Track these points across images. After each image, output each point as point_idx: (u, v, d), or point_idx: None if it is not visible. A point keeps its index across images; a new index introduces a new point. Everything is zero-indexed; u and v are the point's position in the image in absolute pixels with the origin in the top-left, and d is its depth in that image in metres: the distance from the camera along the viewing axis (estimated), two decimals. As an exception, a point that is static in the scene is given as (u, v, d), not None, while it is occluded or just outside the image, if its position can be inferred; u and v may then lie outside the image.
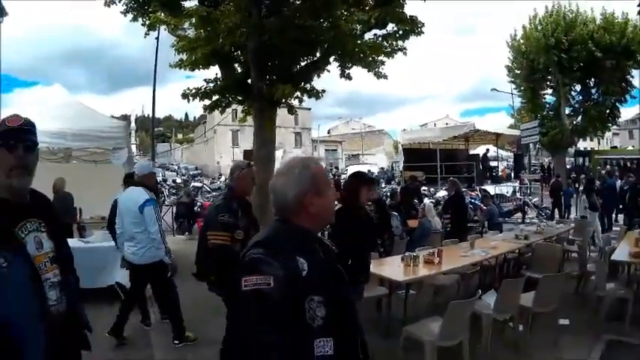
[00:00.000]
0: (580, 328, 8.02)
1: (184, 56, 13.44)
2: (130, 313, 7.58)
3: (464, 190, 20.96)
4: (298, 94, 13.99)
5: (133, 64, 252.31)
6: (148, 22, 13.67)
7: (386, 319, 7.89)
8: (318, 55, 13.50)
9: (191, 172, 56.93)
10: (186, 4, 13.25)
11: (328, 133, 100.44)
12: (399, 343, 6.30)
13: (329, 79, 17.89)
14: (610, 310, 8.30)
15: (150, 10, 13.68)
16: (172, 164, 69.75)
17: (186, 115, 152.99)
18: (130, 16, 13.95)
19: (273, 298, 2.22)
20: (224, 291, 5.45)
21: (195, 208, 19.80)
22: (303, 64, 13.74)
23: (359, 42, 13.27)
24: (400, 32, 13.45)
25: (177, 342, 7.39)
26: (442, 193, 18.86)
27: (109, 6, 13.60)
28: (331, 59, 13.65)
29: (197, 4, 13.03)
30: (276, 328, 2.21)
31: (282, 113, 14.83)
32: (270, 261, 2.29)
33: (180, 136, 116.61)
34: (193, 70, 13.52)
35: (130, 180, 8.52)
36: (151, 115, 30.49)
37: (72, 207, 12.13)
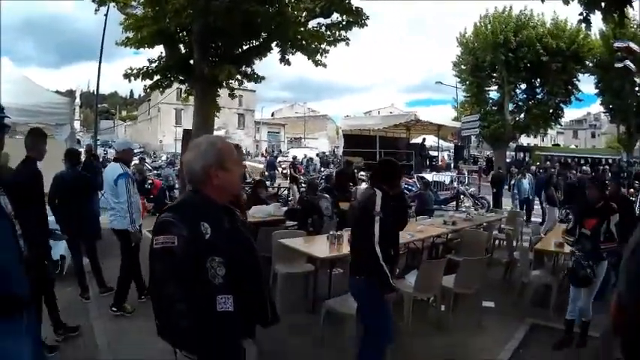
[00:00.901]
0: (505, 311, 8.43)
1: (131, 34, 13.44)
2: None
3: (400, 176, 21.41)
4: (239, 77, 14.06)
5: (85, 37, 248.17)
6: (97, -1, 13.63)
7: (312, 296, 8.22)
8: (261, 39, 13.58)
9: (135, 150, 56.38)
10: (137, -18, 13.16)
11: (272, 115, 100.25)
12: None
13: (276, 62, 18.08)
14: (535, 296, 8.83)
15: (101, -15, 13.56)
16: (115, 141, 68.88)
17: (131, 92, 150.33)
18: (82, -8, 13.89)
19: (178, 255, 2.58)
20: None
21: (146, 185, 19.71)
22: (245, 47, 13.77)
23: (301, 29, 13.41)
24: (344, 22, 13.67)
25: (114, 309, 7.68)
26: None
27: None
28: (273, 44, 13.70)
29: (147, -18, 12.96)
30: (180, 282, 2.58)
31: (226, 94, 14.95)
32: (176, 223, 2.65)
33: (124, 113, 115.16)
34: (139, 48, 13.46)
35: (71, 156, 8.82)
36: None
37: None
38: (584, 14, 9.11)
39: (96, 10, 14.13)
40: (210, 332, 2.62)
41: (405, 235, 9.21)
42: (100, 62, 25.77)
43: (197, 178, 2.91)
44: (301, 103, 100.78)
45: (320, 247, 8.24)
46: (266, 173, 30.77)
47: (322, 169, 37.02)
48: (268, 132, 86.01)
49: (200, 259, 2.64)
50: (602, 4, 8.82)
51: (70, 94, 40.94)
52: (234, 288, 2.72)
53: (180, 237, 2.61)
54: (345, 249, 7.92)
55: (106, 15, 19.42)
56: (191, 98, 15.16)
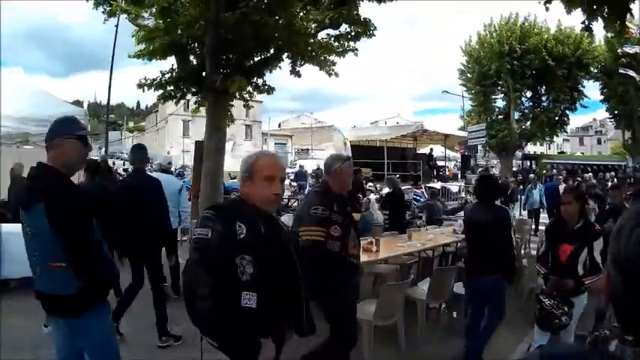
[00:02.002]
0: (514, 316, 8.55)
1: (143, 46, 13.60)
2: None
3: (409, 187, 21.47)
4: (250, 89, 14.26)
5: (91, 47, 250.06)
6: (108, 10, 13.73)
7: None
8: (271, 51, 13.69)
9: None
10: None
11: (279, 126, 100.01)
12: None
13: (282, 73, 18.15)
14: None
15: (112, -3, 13.67)
16: (122, 153, 69.10)
17: (138, 103, 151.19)
18: (91, 3, 13.91)
19: (209, 247, 2.90)
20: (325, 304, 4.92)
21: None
22: (256, 59, 13.88)
23: (311, 41, 13.59)
24: (352, 33, 13.81)
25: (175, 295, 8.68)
26: (388, 190, 19.40)
27: None
28: (284, 56, 13.87)
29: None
30: (207, 270, 2.87)
31: (239, 105, 15.11)
32: (214, 219, 2.98)
33: (131, 124, 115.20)
34: (151, 60, 13.65)
35: (90, 167, 9.18)
36: (102, 102, 30.59)
37: (29, 193, 12.22)
38: (587, 23, 9.28)
39: (105, 20, 14.26)
40: (229, 322, 2.84)
41: (416, 245, 9.40)
42: (110, 73, 26.00)
43: (240, 177, 3.32)
44: (308, 113, 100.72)
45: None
46: (294, 184, 30.42)
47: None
48: (275, 143, 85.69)
49: (231, 255, 2.92)
50: (604, 13, 8.99)
51: (78, 104, 41.15)
52: (261, 288, 2.96)
53: (214, 231, 2.92)
54: (361, 258, 8.12)
55: (116, 26, 19.60)
56: (202, 109, 15.32)
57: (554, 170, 38.87)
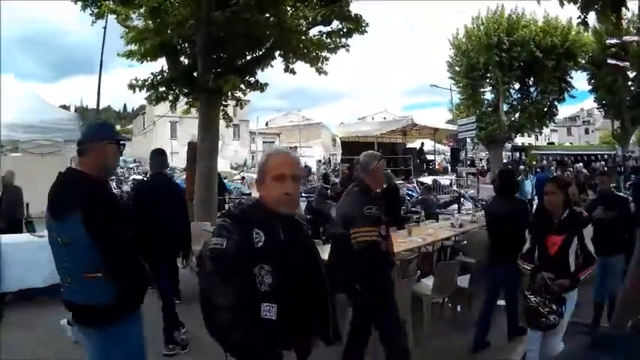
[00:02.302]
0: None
1: (133, 47, 13.46)
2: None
3: (402, 182, 21.43)
4: (242, 86, 14.14)
5: (75, 51, 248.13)
6: (96, 11, 13.57)
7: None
8: (263, 49, 13.65)
9: (130, 165, 56.13)
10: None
11: (266, 125, 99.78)
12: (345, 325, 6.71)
13: (269, 71, 18.14)
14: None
15: (100, -1, 13.53)
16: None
17: (124, 106, 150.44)
18: (79, 4, 13.71)
19: (225, 257, 2.74)
20: (376, 301, 4.90)
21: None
22: (248, 57, 13.86)
23: (303, 38, 13.56)
24: (344, 30, 13.80)
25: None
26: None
27: None
28: (276, 54, 13.84)
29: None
30: (223, 280, 2.72)
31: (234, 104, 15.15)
32: (229, 227, 2.83)
33: (118, 127, 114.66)
34: (142, 61, 13.53)
35: None
36: (90, 106, 30.42)
37: (22, 202, 12.04)
38: (582, 17, 9.21)
39: (93, 22, 14.07)
40: (248, 335, 2.70)
41: (417, 240, 9.36)
42: (100, 76, 25.68)
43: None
44: (295, 111, 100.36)
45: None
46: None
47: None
48: (263, 142, 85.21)
49: (248, 265, 2.77)
50: (597, 6, 8.93)
51: (65, 108, 40.96)
52: (281, 298, 2.79)
53: (229, 240, 2.77)
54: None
55: (104, 28, 19.39)
56: (192, 110, 15.22)
57: (544, 161, 38.92)
